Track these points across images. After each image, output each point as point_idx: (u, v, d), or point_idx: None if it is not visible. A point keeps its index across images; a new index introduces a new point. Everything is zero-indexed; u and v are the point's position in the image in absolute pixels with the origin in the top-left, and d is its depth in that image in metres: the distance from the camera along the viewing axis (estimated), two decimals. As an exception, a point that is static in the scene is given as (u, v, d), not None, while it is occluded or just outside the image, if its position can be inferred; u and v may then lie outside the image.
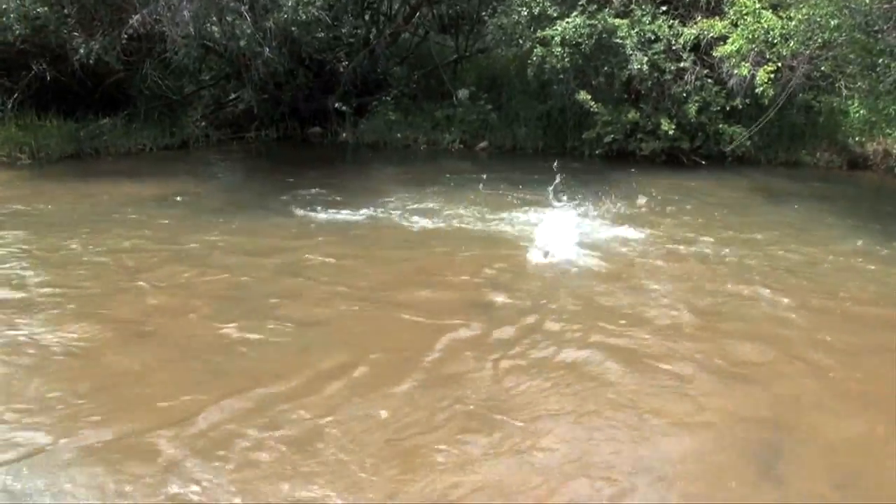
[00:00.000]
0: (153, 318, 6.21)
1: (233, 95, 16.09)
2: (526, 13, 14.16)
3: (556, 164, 10.32)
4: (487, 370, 5.45)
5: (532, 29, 14.12)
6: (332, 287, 7.03)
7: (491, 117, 15.06)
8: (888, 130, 14.07)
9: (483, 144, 14.92)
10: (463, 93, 15.55)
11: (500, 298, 6.84)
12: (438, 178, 12.02)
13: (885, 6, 11.98)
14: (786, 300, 7.04)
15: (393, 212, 9.82)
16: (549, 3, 13.85)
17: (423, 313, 6.42)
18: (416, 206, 10.13)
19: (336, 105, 15.37)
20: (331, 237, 8.69)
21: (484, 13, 16.15)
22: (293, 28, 13.78)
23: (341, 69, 15.73)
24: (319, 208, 9.88)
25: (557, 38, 13.42)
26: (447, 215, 9.73)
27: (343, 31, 15.56)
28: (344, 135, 15.54)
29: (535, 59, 13.67)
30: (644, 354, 5.82)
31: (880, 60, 12.64)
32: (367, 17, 16.37)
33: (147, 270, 7.33)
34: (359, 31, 15.96)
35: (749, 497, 4.13)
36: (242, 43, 13.06)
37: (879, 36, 12.34)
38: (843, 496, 4.19)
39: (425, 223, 9.33)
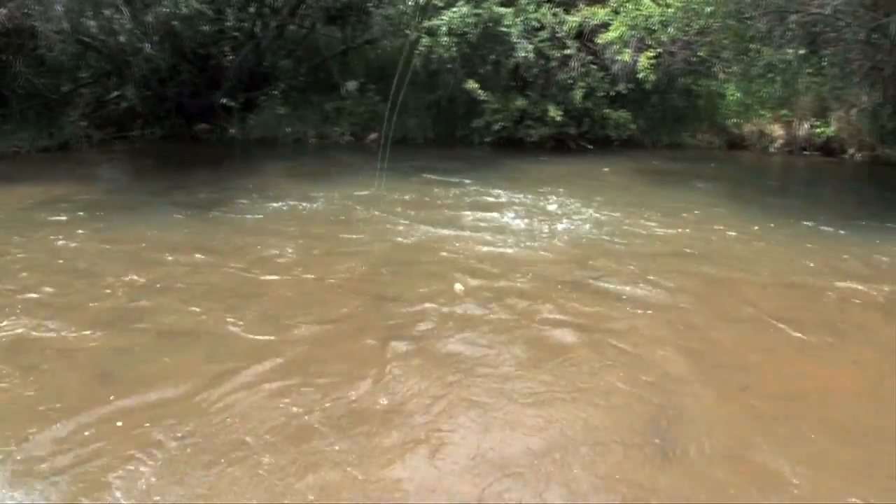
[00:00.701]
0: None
1: (114, 93, 15.43)
2: (412, 3, 14.18)
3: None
4: (377, 361, 5.42)
5: (418, 19, 14.12)
6: (215, 287, 6.86)
7: (380, 108, 14.95)
8: (762, 112, 14.70)
9: (373, 136, 14.83)
10: (351, 85, 15.44)
11: (390, 289, 6.82)
12: (329, 171, 11.89)
13: (758, -6, 12.49)
14: (669, 278, 7.23)
15: (282, 208, 9.66)
16: (434, -7, 13.89)
17: (309, 313, 6.33)
18: (305, 203, 9.98)
19: (223, 101, 14.97)
20: (219, 236, 8.46)
21: (370, 4, 16.06)
22: (174, 22, 13.42)
23: (227, 63, 15.38)
24: (208, 207, 9.61)
25: (444, 28, 13.46)
26: (337, 209, 9.63)
27: (227, 24, 15.23)
28: (232, 131, 15.19)
29: (422, 49, 13.69)
30: (534, 335, 5.89)
31: (752, 46, 13.18)
32: (251, 10, 16.03)
33: (14, 278, 6.99)
34: (244, 24, 15.62)
35: (645, 472, 4.22)
36: (122, 38, 12.68)
37: (750, 22, 12.86)
38: (731, 466, 4.31)
39: (316, 219, 9.21)
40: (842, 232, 8.94)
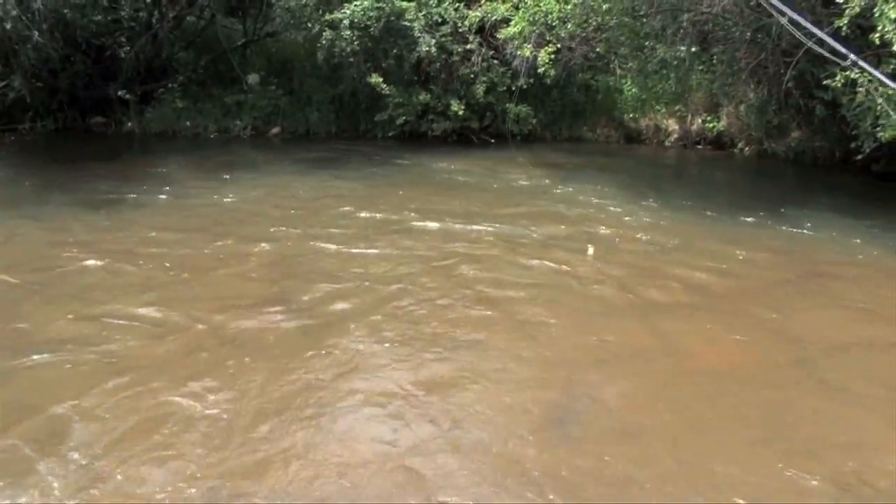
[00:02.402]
0: None
1: (1, 83, 14.83)
2: (314, -4, 14.07)
3: None
4: (284, 353, 5.43)
5: (320, 12, 14.04)
6: (110, 283, 6.73)
7: (282, 102, 14.84)
8: (657, 107, 15.17)
9: (275, 130, 14.70)
10: (253, 78, 15.22)
11: (290, 282, 6.82)
12: (230, 166, 11.73)
13: (652, -7, 12.87)
14: (566, 267, 7.46)
15: (179, 203, 9.50)
16: (335, -14, 13.83)
17: (210, 303, 6.28)
18: (203, 198, 9.83)
19: (119, 93, 14.54)
20: (110, 233, 8.26)
21: (270, -4, 15.83)
22: (66, 10, 12.96)
23: (123, 55, 14.92)
24: (100, 204, 9.37)
25: (346, 21, 13.44)
26: (236, 203, 9.54)
27: (122, 13, 14.79)
28: (129, 124, 14.77)
29: (324, 42, 13.62)
30: (441, 327, 5.99)
31: (647, 43, 13.57)
32: (148, 0, 15.60)
33: None
34: (140, 13, 15.19)
35: (545, 451, 4.37)
36: (8, 26, 12.16)
37: (645, 20, 13.25)
38: (626, 444, 4.50)
39: (215, 215, 9.10)
40: (729, 221, 9.38)
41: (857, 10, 9.46)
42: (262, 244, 7.83)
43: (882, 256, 8.34)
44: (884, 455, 4.45)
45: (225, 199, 9.72)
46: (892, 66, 9.84)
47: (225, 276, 6.99)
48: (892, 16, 9.05)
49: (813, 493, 4.09)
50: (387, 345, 5.68)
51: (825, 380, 5.45)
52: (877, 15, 9.25)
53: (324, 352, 5.51)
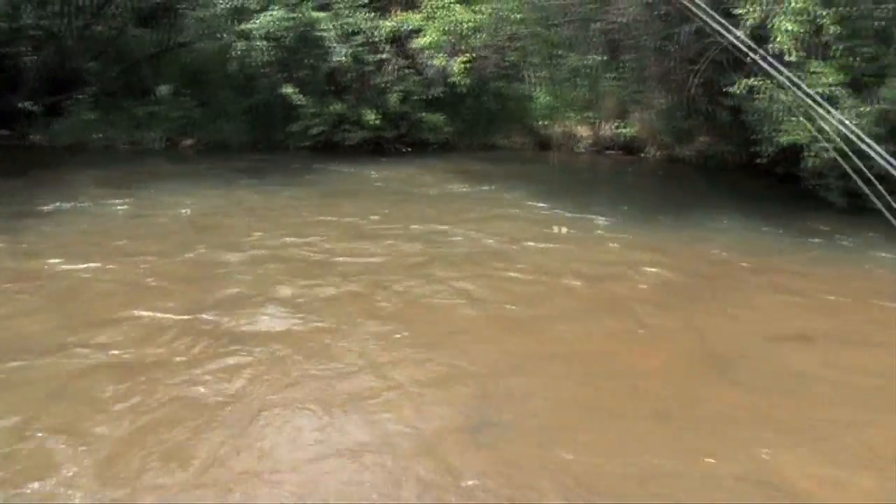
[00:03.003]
0: None
1: None
2: (225, 6, 13.94)
3: None
4: (185, 355, 5.40)
5: (233, 22, 13.93)
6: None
7: (196, 113, 14.66)
8: (569, 114, 15.48)
9: (189, 142, 14.52)
10: (165, 89, 14.99)
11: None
12: (142, 178, 11.55)
13: (562, 2, 13.16)
14: (481, 275, 7.58)
15: (86, 218, 9.33)
16: (247, -4, 13.73)
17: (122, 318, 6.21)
18: (111, 212, 9.67)
19: (23, 104, 14.12)
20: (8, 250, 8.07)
21: (183, 5, 15.62)
22: (-38, 17, 12.59)
23: (27, 64, 14.53)
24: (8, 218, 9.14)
25: (259, 32, 13.37)
26: (149, 217, 9.42)
27: (26, 21, 14.39)
28: (35, 137, 14.37)
29: (237, 52, 13.53)
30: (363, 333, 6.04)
31: (558, 52, 13.87)
32: (53, 8, 15.21)
33: None
34: (44, 22, 14.79)
35: (464, 453, 4.47)
36: None
37: (557, 30, 13.54)
38: (542, 448, 4.62)
39: (122, 230, 8.96)
40: (641, 224, 9.66)
41: (756, 21, 9.84)
42: (176, 258, 7.77)
43: (787, 255, 8.70)
44: (789, 448, 4.66)
45: (137, 213, 9.58)
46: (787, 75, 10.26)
47: (137, 291, 6.90)
48: (786, 27, 9.45)
49: (728, 484, 4.26)
50: (311, 357, 5.70)
51: (734, 377, 5.68)
52: (772, 26, 9.64)
53: (242, 367, 5.50)
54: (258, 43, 13.33)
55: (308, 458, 4.44)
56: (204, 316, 6.37)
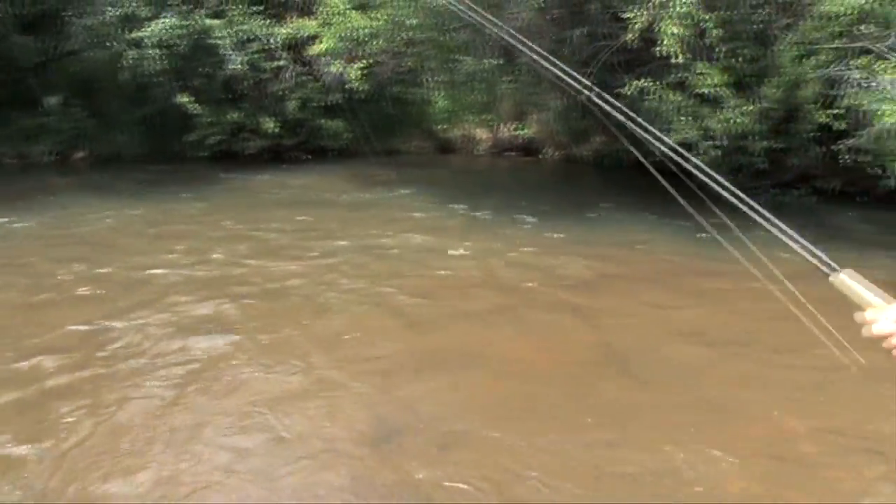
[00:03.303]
0: None
1: None
2: (115, 13, 13.61)
3: None
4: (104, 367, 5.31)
5: (123, 30, 13.61)
6: None
7: (87, 125, 14.24)
8: (468, 117, 15.72)
9: (81, 155, 14.12)
10: (53, 99, 14.51)
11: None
12: (28, 194, 11.17)
13: (456, 7, 13.31)
14: (377, 282, 7.66)
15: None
16: (138, 3, 13.43)
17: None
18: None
19: None
20: None
21: (69, 13, 15.13)
22: None
23: None
24: None
25: (151, 40, 13.10)
26: (41, 234, 9.15)
27: None
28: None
29: (128, 61, 13.23)
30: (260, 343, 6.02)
31: (455, 56, 14.04)
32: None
33: None
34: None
35: (369, 466, 4.52)
36: None
37: (453, 34, 13.70)
38: (446, 454, 4.71)
39: (16, 247, 8.69)
40: (539, 224, 9.91)
41: (643, 25, 10.22)
42: (68, 276, 7.59)
43: (681, 250, 9.06)
44: (690, 444, 4.88)
45: (27, 230, 9.29)
46: (675, 77, 10.71)
47: (32, 306, 6.73)
48: (673, 30, 9.85)
49: (629, 478, 4.45)
50: (207, 374, 5.66)
51: (635, 372, 5.90)
52: (658, 30, 10.03)
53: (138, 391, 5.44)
54: (150, 51, 13.07)
55: (202, 482, 4.43)
56: (100, 338, 6.27)
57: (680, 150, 1.70)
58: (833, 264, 1.40)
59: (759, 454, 4.74)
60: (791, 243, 1.43)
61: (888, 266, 8.88)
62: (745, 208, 1.61)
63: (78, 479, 4.36)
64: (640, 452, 4.74)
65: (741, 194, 1.67)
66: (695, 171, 1.75)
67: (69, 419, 5.01)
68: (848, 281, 1.36)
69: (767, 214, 1.53)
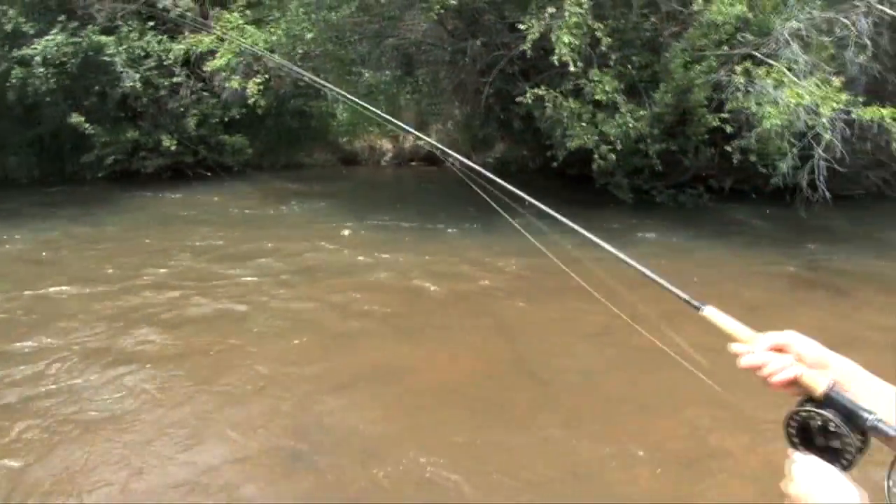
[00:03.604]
0: None
1: None
2: (-4, 30, 13.06)
3: None
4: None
5: (7, 48, 13.07)
6: None
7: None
8: (370, 129, 15.75)
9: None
10: (-65, 122, 13.86)
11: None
12: None
13: (356, 20, 13.35)
14: (287, 298, 7.63)
15: None
16: (22, 20, 12.91)
17: None
18: None
19: None
20: None
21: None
22: None
23: None
24: None
25: (38, 58, 12.62)
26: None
27: None
28: None
29: (14, 80, 12.72)
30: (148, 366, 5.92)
31: (354, 69, 14.06)
32: None
33: None
34: None
35: (289, 481, 4.52)
36: None
37: (350, 47, 13.72)
38: (365, 465, 4.74)
39: None
40: (444, 233, 10.03)
41: (537, 35, 10.45)
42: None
43: (586, 252, 9.29)
44: (591, 440, 5.04)
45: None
46: (571, 84, 11.00)
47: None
48: (566, 40, 10.11)
49: (538, 478, 4.57)
50: (111, 401, 5.54)
51: (541, 376, 6.05)
52: (554, 39, 10.28)
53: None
54: (38, 70, 12.58)
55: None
56: None
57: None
58: (695, 303, 1.45)
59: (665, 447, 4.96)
60: (661, 281, 1.52)
61: (779, 258, 9.37)
62: (620, 254, 1.71)
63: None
64: (550, 454, 4.90)
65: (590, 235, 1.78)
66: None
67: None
68: (713, 317, 1.40)
69: (634, 263, 1.62)
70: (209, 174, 14.02)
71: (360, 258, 9.11)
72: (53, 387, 5.74)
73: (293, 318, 7.24)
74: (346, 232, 9.55)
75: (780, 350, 1.28)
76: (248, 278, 8.34)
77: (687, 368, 1.43)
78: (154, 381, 5.85)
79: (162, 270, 8.57)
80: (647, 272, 1.54)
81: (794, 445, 1.24)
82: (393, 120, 2.40)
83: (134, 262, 8.88)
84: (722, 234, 10.60)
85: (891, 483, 1.13)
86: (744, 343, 1.33)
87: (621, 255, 1.64)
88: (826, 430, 1.19)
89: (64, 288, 7.94)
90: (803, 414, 1.22)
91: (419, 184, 14.68)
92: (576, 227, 1.68)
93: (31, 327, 6.90)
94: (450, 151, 2.12)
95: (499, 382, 5.96)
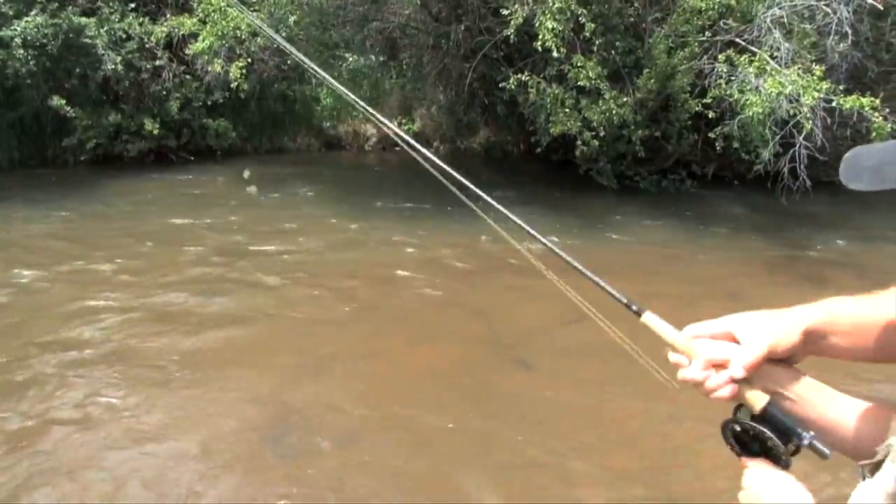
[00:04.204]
0: None
1: None
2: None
3: None
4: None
5: (-16, 28, 12.93)
6: None
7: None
8: (354, 113, 15.69)
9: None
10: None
11: None
12: None
13: (337, 3, 13.29)
14: (276, 283, 7.63)
15: None
16: (1, 1, 12.76)
17: None
18: None
19: None
20: None
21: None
22: None
23: None
24: None
25: (18, 39, 12.49)
26: None
27: None
28: None
29: (-6, 62, 12.60)
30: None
31: (337, 53, 14.00)
32: None
33: None
34: None
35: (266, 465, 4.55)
36: None
37: (333, 30, 13.65)
38: (342, 451, 4.78)
39: None
40: (429, 219, 10.04)
41: (521, 20, 10.45)
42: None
43: (571, 237, 9.36)
44: (579, 428, 5.10)
45: None
46: (555, 70, 11.00)
47: None
48: (550, 25, 10.10)
49: (522, 470, 4.62)
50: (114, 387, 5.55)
51: (522, 361, 6.10)
52: (537, 25, 10.27)
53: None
54: (18, 52, 12.44)
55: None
56: None
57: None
58: (635, 307, 1.40)
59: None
60: (603, 285, 1.45)
61: (760, 245, 9.44)
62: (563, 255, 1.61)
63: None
64: (538, 443, 4.94)
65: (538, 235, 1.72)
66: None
67: None
68: (651, 322, 1.36)
69: (573, 262, 1.57)
70: (192, 158, 13.94)
71: (341, 245, 9.12)
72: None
73: (266, 302, 7.25)
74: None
75: (718, 366, 1.25)
76: (225, 265, 8.33)
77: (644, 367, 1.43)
78: (136, 366, 5.85)
79: (140, 259, 8.54)
80: (588, 273, 1.50)
81: (733, 450, 1.26)
82: (371, 110, 2.34)
83: (111, 247, 8.85)
84: (704, 220, 10.66)
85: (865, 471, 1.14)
86: (681, 353, 1.30)
87: (561, 253, 1.59)
88: (762, 441, 1.22)
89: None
90: (737, 428, 1.24)
91: (403, 169, 14.65)
92: (517, 219, 1.63)
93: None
94: (418, 145, 2.10)
95: (487, 370, 6.00)
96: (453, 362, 6.05)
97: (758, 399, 1.23)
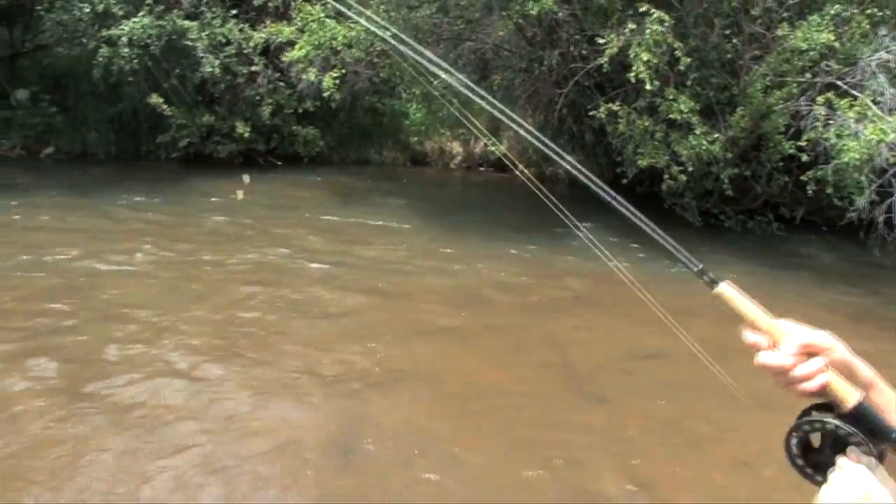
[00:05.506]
0: None
1: None
2: (88, 10, 13.41)
3: None
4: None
5: (96, 27, 13.42)
6: None
7: (56, 120, 14.04)
8: (442, 131, 15.72)
9: (49, 150, 13.89)
10: (22, 93, 14.30)
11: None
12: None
13: (434, 21, 13.37)
14: (352, 293, 7.63)
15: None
16: (113, 2, 13.24)
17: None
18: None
19: None
20: None
21: (40, 7, 14.87)
22: None
23: None
24: None
25: (125, 39, 12.92)
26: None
27: None
28: None
29: (101, 59, 13.04)
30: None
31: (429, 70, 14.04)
32: None
33: None
34: None
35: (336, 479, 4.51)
36: None
37: (427, 47, 13.69)
38: (411, 467, 4.71)
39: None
40: (508, 243, 9.93)
41: (616, 50, 10.32)
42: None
43: (649, 271, 9.12)
44: (653, 458, 4.92)
45: None
46: (646, 101, 10.82)
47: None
48: (644, 57, 9.94)
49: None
50: (173, 380, 5.61)
51: (596, 393, 5.94)
52: (632, 56, 10.13)
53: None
54: (124, 50, 12.88)
55: None
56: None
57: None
58: (709, 275, 1.23)
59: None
60: (675, 246, 1.28)
61: (846, 297, 9.04)
62: (620, 208, 1.38)
63: None
64: (614, 471, 4.78)
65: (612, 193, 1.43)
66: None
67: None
68: (728, 293, 1.19)
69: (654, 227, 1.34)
70: (279, 163, 14.17)
71: (419, 260, 9.07)
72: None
73: (346, 313, 7.24)
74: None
75: (810, 353, 1.09)
76: (307, 270, 8.38)
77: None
78: (199, 370, 5.90)
79: (220, 256, 8.66)
80: (659, 232, 1.31)
81: (791, 457, 1.10)
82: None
83: (193, 242, 9.01)
84: (788, 264, 10.27)
85: None
86: (762, 333, 1.14)
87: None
88: (844, 444, 1.05)
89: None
90: (829, 426, 1.07)
91: (487, 190, 14.60)
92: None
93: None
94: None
95: (553, 398, 5.86)
96: (526, 389, 5.93)
97: (850, 395, 1.07)
